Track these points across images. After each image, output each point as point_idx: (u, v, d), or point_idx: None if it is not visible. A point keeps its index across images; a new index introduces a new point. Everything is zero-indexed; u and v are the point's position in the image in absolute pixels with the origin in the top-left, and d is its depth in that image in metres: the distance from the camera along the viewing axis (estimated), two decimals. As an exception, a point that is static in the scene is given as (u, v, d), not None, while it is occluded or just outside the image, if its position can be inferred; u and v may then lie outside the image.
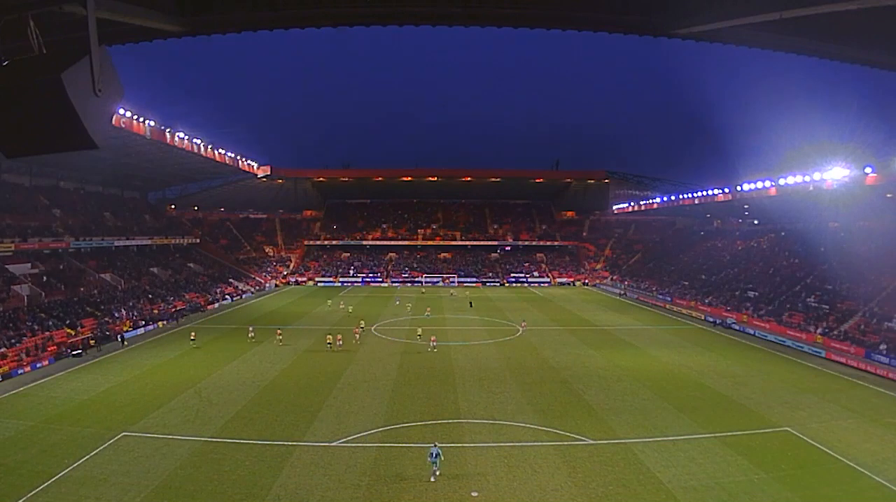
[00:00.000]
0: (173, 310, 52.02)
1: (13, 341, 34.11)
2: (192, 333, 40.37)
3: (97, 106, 3.84)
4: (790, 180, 48.90)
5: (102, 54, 3.88)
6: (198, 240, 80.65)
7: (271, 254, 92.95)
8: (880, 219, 53.91)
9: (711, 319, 51.01)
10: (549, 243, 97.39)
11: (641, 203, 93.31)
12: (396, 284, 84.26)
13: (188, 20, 7.79)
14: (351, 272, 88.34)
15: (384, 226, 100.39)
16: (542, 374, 31.21)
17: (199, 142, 60.03)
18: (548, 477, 17.84)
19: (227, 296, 64.31)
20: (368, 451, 19.92)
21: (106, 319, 43.46)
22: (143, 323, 45.39)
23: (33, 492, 16.43)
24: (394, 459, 19.21)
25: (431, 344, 37.19)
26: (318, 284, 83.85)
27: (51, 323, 38.97)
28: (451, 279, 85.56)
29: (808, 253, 56.82)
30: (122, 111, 45.40)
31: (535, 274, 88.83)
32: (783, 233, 68.40)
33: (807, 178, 46.57)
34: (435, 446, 18.03)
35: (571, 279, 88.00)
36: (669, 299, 63.17)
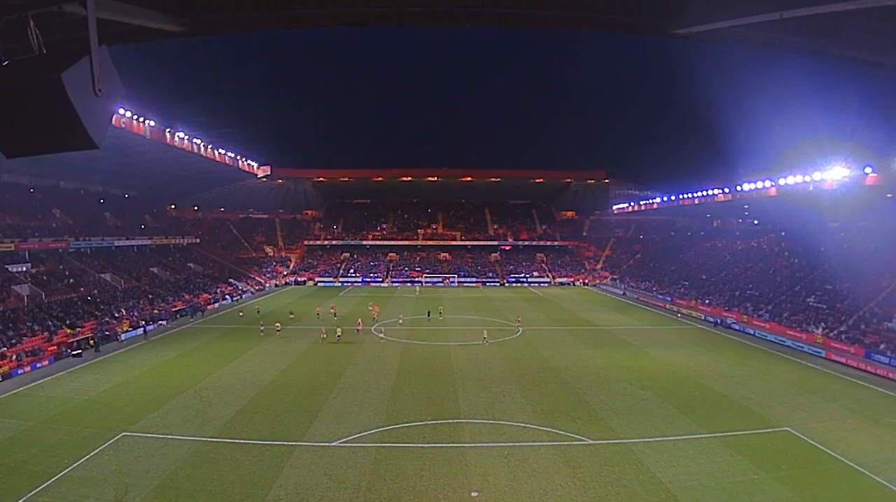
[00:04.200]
0: (173, 309, 52.02)
1: (13, 341, 34.11)
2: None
3: (97, 106, 3.83)
4: (790, 180, 48.92)
5: (102, 54, 3.87)
6: (198, 240, 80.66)
7: (271, 254, 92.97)
8: (880, 219, 53.91)
9: (711, 319, 51.01)
10: (549, 243, 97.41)
11: (641, 203, 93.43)
12: (396, 284, 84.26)
13: (188, 20, 7.79)
14: (351, 272, 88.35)
15: (384, 226, 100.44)
16: (542, 374, 31.21)
17: (198, 142, 60.08)
18: (548, 477, 17.84)
19: (227, 296, 64.30)
20: (368, 451, 19.92)
21: (106, 319, 43.46)
22: (143, 323, 45.38)
23: (33, 492, 16.43)
24: (394, 459, 19.21)
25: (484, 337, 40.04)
26: (318, 284, 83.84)
27: (51, 323, 38.97)
28: (450, 279, 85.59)
29: (808, 253, 56.80)
30: (122, 111, 45.44)
31: (535, 274, 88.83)
32: (783, 233, 68.41)
33: (807, 178, 46.59)
34: None
35: (571, 279, 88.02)
36: (669, 299, 63.17)
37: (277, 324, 44.11)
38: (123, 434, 21.39)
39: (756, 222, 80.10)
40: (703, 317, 52.74)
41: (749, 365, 34.27)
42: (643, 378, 30.49)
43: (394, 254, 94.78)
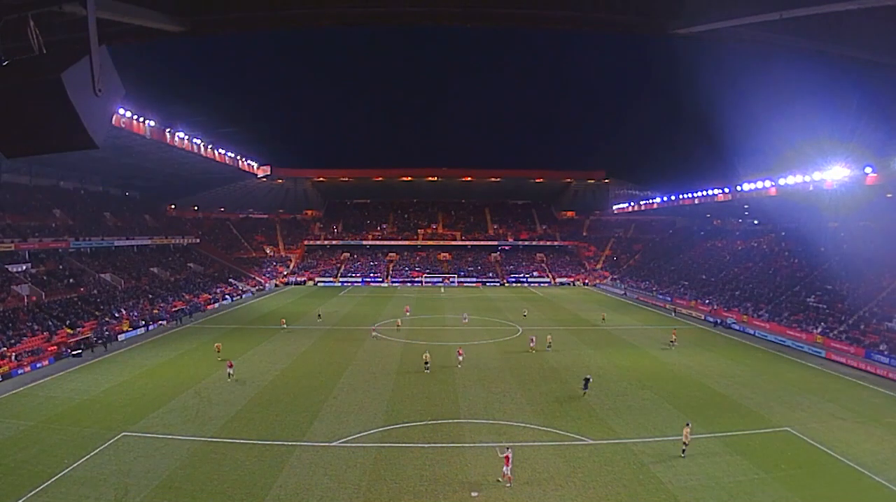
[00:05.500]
0: (173, 309, 52.02)
1: (13, 341, 34.11)
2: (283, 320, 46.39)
3: (97, 106, 3.84)
4: (790, 180, 48.92)
5: (102, 54, 3.88)
6: (198, 240, 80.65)
7: (271, 254, 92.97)
8: (880, 219, 53.91)
9: (711, 319, 51.02)
10: (549, 243, 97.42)
11: (641, 203, 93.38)
12: (396, 284, 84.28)
13: (188, 20, 7.80)
14: (351, 272, 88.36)
15: (384, 226, 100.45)
16: (543, 374, 31.22)
17: (198, 142, 60.08)
18: (548, 477, 17.85)
19: (227, 296, 64.30)
20: (368, 451, 19.92)
21: (106, 319, 43.47)
22: (143, 323, 45.38)
23: (33, 492, 16.44)
24: (394, 459, 19.21)
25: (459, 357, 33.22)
26: (318, 284, 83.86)
27: (51, 323, 38.98)
28: (450, 279, 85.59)
29: (808, 253, 56.82)
30: (122, 111, 45.42)
31: (535, 274, 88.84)
32: (783, 233, 68.41)
33: (807, 178, 46.58)
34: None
35: (571, 279, 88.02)
36: (669, 299, 63.17)
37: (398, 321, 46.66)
38: (123, 434, 21.39)
39: (756, 222, 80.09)
40: (703, 317, 52.77)
41: (749, 365, 34.27)
42: (643, 378, 30.48)
43: (394, 254, 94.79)
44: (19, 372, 31.11)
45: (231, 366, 29.95)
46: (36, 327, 37.52)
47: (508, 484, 17.02)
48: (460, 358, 32.87)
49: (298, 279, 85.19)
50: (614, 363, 34.08)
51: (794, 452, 20.09)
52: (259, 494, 16.52)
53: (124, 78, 4.18)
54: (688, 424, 20.71)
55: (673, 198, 79.73)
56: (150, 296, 53.73)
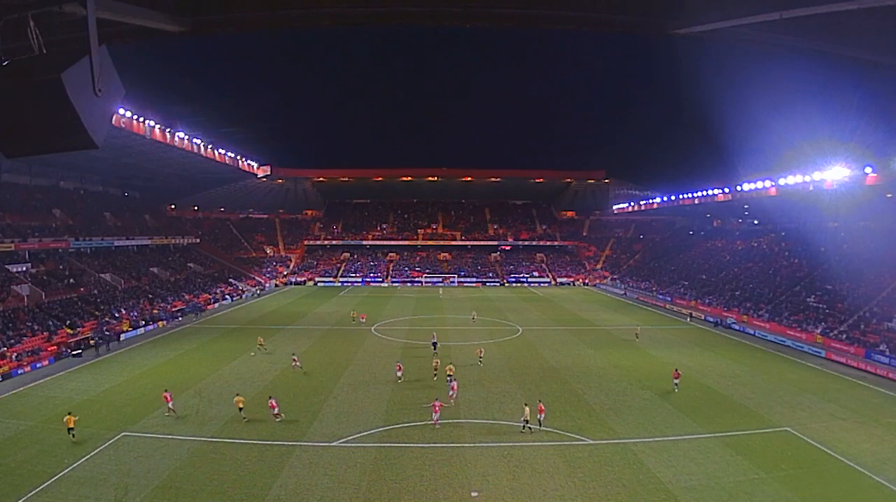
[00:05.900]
0: (172, 309, 52.01)
1: (13, 341, 34.11)
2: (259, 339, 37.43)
3: (97, 106, 3.84)
4: (790, 180, 48.90)
5: (102, 54, 3.88)
6: (198, 240, 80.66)
7: (271, 254, 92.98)
8: (880, 219, 53.91)
9: (711, 319, 51.01)
10: (549, 243, 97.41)
11: (641, 203, 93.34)
12: (397, 284, 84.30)
13: (188, 20, 7.80)
14: (351, 272, 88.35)
15: (384, 226, 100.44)
16: (542, 374, 31.21)
17: (198, 142, 60.07)
18: (548, 477, 17.85)
19: (227, 296, 64.29)
20: (368, 451, 19.93)
21: (106, 319, 43.46)
22: (143, 323, 45.37)
23: (33, 492, 16.45)
24: (394, 459, 19.21)
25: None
26: (318, 284, 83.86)
27: (51, 323, 38.97)
28: (450, 279, 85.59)
29: (808, 253, 56.83)
30: (122, 111, 45.42)
31: (535, 274, 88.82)
32: (783, 233, 68.41)
33: (807, 178, 46.57)
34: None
35: (572, 279, 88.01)
36: (669, 299, 63.16)
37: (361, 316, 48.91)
38: (123, 434, 21.40)
39: (756, 222, 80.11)
40: (703, 317, 52.76)
41: (749, 365, 34.26)
42: (643, 378, 30.48)
43: (394, 254, 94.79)
44: (19, 372, 31.11)
45: (169, 400, 23.78)
46: (36, 327, 37.53)
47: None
48: (362, 319, 46.80)
49: (298, 279, 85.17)
50: (614, 363, 34.08)
51: (794, 452, 20.08)
52: (259, 494, 16.53)
53: (124, 78, 4.18)
54: (526, 404, 22.56)
55: (673, 198, 79.70)
56: (150, 296, 53.74)
